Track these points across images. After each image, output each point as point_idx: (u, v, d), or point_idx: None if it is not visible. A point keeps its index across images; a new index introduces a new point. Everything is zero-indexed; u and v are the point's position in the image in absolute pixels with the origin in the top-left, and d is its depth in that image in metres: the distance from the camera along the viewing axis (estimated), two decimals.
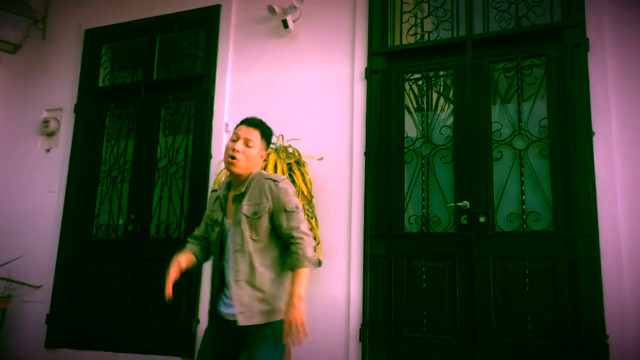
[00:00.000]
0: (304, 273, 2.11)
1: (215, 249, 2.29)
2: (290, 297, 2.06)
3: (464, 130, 3.58)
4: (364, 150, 3.73)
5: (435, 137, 3.69)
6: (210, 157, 4.15)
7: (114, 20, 4.81)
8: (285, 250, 2.22)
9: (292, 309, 2.03)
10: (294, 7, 4.02)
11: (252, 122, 2.34)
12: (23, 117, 4.95)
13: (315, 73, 4.03)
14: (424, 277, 3.48)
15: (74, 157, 4.64)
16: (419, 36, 3.89)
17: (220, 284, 2.26)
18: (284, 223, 2.19)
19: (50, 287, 4.43)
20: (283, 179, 2.28)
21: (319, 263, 3.43)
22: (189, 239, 2.45)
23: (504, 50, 3.57)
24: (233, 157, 2.24)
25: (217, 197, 2.38)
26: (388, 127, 3.78)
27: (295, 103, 4.03)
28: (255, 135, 2.30)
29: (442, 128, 3.69)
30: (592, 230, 3.13)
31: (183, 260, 2.27)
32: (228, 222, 2.28)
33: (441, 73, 3.77)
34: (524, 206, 3.37)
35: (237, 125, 2.36)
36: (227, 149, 2.29)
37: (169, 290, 2.16)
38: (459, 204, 3.47)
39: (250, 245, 2.18)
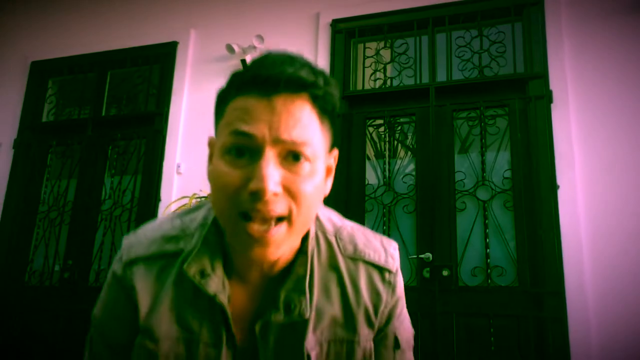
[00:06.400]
0: None
1: None
2: None
3: (427, 178, 3.46)
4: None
5: (398, 185, 3.55)
6: (159, 199, 3.87)
7: (62, 53, 4.55)
8: None
9: None
10: (254, 47, 3.88)
11: (292, 80, 0.83)
12: None
13: None
14: None
15: (10, 197, 4.28)
16: (381, 81, 3.80)
17: None
18: None
19: None
20: (397, 266, 1.03)
21: None
22: None
23: (468, 99, 3.50)
24: (260, 236, 0.84)
25: (205, 292, 0.93)
26: (348, 173, 3.62)
27: None
28: (307, 115, 0.85)
29: (404, 176, 3.55)
30: (558, 288, 3.00)
31: None
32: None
33: (404, 120, 3.67)
34: (488, 260, 3.23)
35: (234, 95, 0.85)
36: (230, 198, 0.84)
37: None
38: (422, 256, 3.31)
39: None
